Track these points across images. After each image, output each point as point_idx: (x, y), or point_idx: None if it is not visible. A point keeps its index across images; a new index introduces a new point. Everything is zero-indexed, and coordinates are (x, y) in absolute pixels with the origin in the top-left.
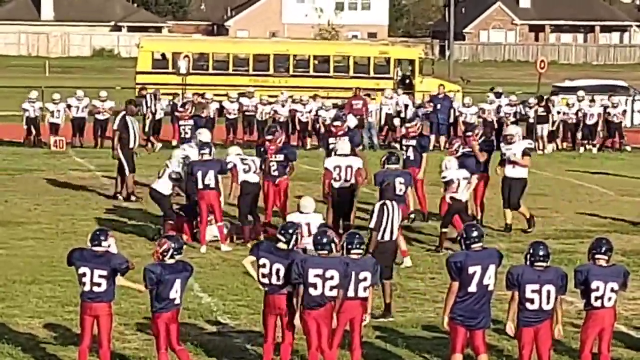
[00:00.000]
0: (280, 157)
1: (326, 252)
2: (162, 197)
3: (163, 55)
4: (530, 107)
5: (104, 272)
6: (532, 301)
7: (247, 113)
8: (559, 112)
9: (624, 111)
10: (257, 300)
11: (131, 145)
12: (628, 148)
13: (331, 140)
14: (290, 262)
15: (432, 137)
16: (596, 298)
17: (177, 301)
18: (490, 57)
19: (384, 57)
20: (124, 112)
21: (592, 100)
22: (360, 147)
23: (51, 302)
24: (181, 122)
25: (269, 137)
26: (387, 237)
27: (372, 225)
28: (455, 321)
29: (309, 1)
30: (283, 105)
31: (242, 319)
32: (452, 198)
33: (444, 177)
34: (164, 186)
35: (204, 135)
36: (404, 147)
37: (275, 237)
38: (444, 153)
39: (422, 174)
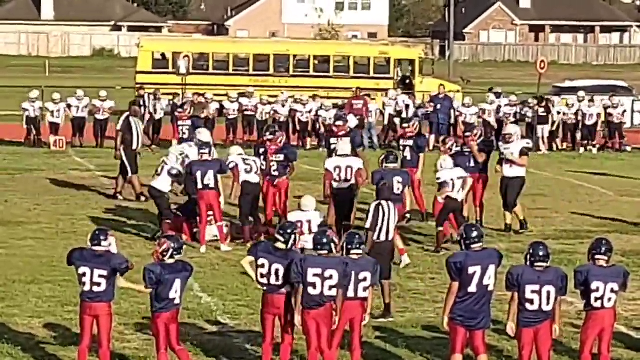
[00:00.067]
0: (281, 157)
1: (326, 252)
2: (161, 195)
3: (163, 55)
4: (531, 108)
5: (104, 272)
6: (531, 302)
7: (246, 113)
8: (558, 113)
9: (624, 112)
10: (257, 300)
11: (134, 147)
12: (628, 148)
13: (333, 140)
14: (289, 262)
15: (432, 138)
16: (596, 299)
17: (177, 301)
18: (490, 58)
19: (384, 57)
20: (127, 114)
21: (591, 101)
22: (361, 148)
23: (51, 302)
24: (180, 123)
25: (270, 136)
26: (383, 238)
27: (367, 225)
28: (455, 321)
29: (309, 1)
30: (283, 105)
31: (242, 319)
32: (447, 197)
33: (437, 178)
34: (163, 184)
35: (204, 135)
36: (402, 147)
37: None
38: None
39: (419, 174)
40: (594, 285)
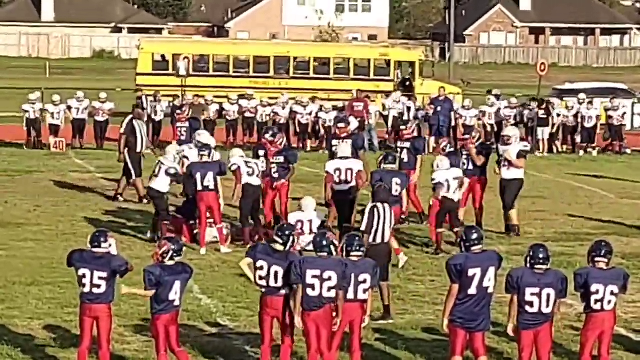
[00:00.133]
0: (281, 159)
1: (326, 254)
2: (161, 195)
3: (163, 56)
4: (530, 110)
5: (104, 274)
6: (531, 304)
7: (246, 115)
8: (558, 115)
9: (624, 114)
10: (256, 302)
11: (139, 149)
12: (628, 151)
13: (334, 142)
14: (288, 264)
15: (432, 140)
16: (596, 301)
17: (177, 303)
18: (490, 60)
19: (384, 59)
20: (131, 116)
21: (590, 103)
22: (363, 151)
23: (51, 304)
24: (178, 124)
25: (270, 138)
26: (379, 240)
27: (363, 228)
28: (455, 324)
29: (309, 3)
30: (283, 107)
31: (241, 321)
32: (443, 197)
33: (432, 179)
34: (162, 184)
35: (204, 136)
36: (399, 150)
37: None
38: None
39: (416, 177)
40: (593, 288)
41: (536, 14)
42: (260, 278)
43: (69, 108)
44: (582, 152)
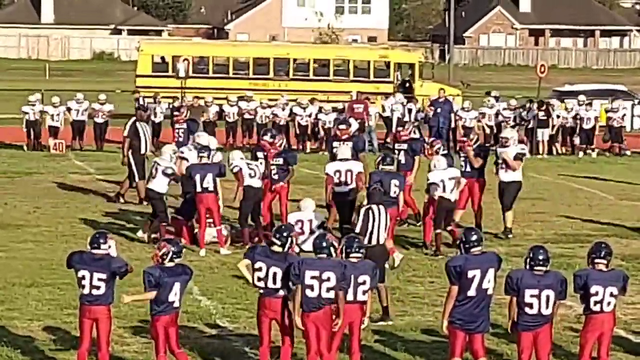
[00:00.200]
0: (280, 160)
1: (325, 255)
2: (159, 196)
3: (163, 58)
4: (527, 111)
5: (103, 275)
6: (531, 306)
7: (246, 117)
8: (558, 117)
9: (624, 115)
10: (256, 303)
11: (142, 151)
12: (628, 152)
13: (335, 144)
14: (287, 266)
15: (436, 139)
16: (595, 302)
17: (177, 304)
18: (490, 61)
19: (384, 61)
20: (134, 119)
21: (589, 104)
22: (363, 153)
23: (50, 305)
24: (176, 126)
25: (270, 140)
26: (374, 242)
27: (357, 230)
28: (454, 325)
29: (309, 5)
30: (283, 109)
31: (241, 322)
32: (440, 197)
33: (427, 179)
34: (160, 185)
35: (203, 138)
36: (396, 151)
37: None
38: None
39: (412, 178)
40: (593, 289)
41: (536, 16)
42: (259, 279)
43: (69, 110)
44: (581, 154)
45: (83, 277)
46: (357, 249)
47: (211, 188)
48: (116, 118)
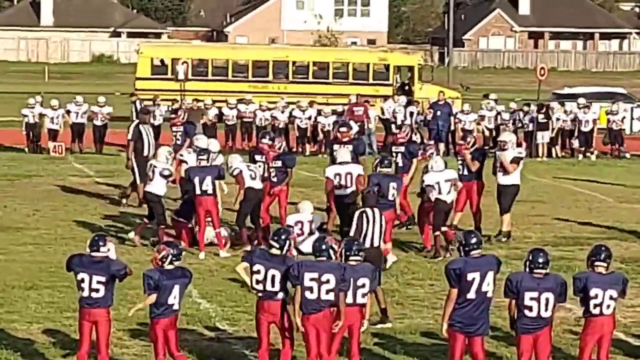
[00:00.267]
0: (279, 163)
1: (324, 258)
2: (158, 199)
3: (162, 61)
4: (525, 114)
5: (103, 278)
6: (530, 308)
7: (245, 119)
8: (558, 119)
9: (624, 118)
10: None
11: (145, 153)
12: (627, 155)
13: (335, 147)
14: (286, 269)
15: (431, 143)
16: (595, 305)
17: (176, 307)
18: (489, 64)
19: (383, 63)
20: (137, 122)
21: (587, 107)
22: (364, 157)
23: (50, 308)
24: (173, 129)
25: (269, 142)
26: (367, 244)
27: (351, 233)
28: (454, 328)
29: (308, 8)
30: (282, 112)
31: (240, 325)
32: (437, 199)
33: (422, 181)
34: (158, 187)
35: (201, 141)
36: (394, 154)
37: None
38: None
39: (407, 180)
40: (592, 292)
41: (535, 19)
42: (257, 282)
43: (68, 112)
44: (581, 157)
45: (82, 280)
46: (356, 252)
47: (210, 191)
48: (115, 120)
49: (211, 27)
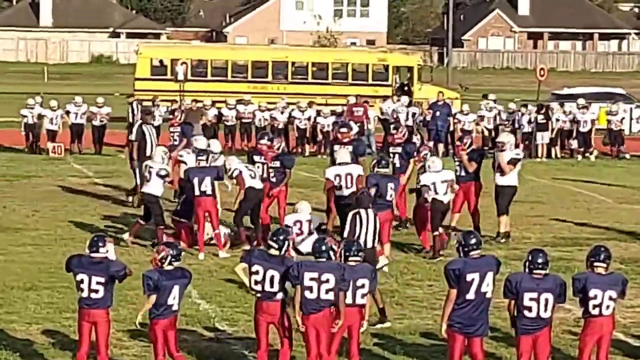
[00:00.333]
0: (277, 163)
1: (324, 259)
2: (156, 199)
3: (161, 61)
4: (523, 114)
5: (102, 279)
6: (529, 309)
7: (244, 120)
8: (557, 120)
9: (623, 119)
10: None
11: (148, 153)
12: (627, 156)
13: (336, 147)
14: (285, 269)
15: (431, 144)
16: (594, 306)
17: (175, 308)
18: (488, 65)
19: (383, 64)
20: (140, 122)
21: (585, 107)
22: (364, 158)
23: (49, 309)
24: (171, 129)
25: (267, 143)
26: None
27: (345, 234)
28: (453, 328)
29: (307, 8)
30: (282, 112)
31: (240, 326)
32: (433, 199)
33: (418, 181)
34: (155, 188)
35: (200, 142)
36: (391, 154)
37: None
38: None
39: (403, 180)
40: (592, 293)
41: (534, 19)
42: (256, 283)
43: (67, 113)
44: (580, 157)
45: (82, 281)
46: (355, 253)
47: (209, 192)
48: (114, 121)
49: (210, 28)
